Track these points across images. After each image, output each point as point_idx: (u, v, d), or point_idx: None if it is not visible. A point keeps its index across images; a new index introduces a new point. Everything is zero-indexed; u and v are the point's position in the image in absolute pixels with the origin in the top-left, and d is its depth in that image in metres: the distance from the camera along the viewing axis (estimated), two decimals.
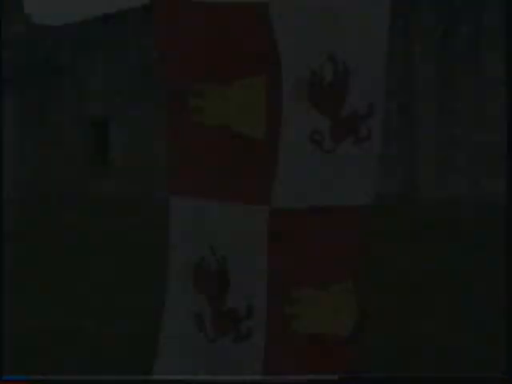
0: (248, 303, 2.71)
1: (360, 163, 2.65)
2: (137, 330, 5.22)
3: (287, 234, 2.69)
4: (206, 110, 2.69)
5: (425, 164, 15.29)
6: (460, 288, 6.44)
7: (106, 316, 5.67)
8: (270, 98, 2.64)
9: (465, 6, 14.36)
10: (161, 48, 2.76)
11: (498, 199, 13.13)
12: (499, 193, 13.25)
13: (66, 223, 13.07)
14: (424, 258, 8.17)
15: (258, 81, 2.64)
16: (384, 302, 5.80)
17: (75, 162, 22.17)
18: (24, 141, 21.13)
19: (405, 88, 15.46)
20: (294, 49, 2.62)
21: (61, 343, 4.95)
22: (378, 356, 4.23)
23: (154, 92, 19.27)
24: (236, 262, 2.71)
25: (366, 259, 2.74)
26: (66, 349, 4.82)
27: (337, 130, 2.64)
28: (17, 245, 9.26)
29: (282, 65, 2.61)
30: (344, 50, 2.60)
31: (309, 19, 2.61)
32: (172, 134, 2.78)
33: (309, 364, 2.77)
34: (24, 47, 23.04)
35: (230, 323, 2.73)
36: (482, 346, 4.63)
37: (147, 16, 17.77)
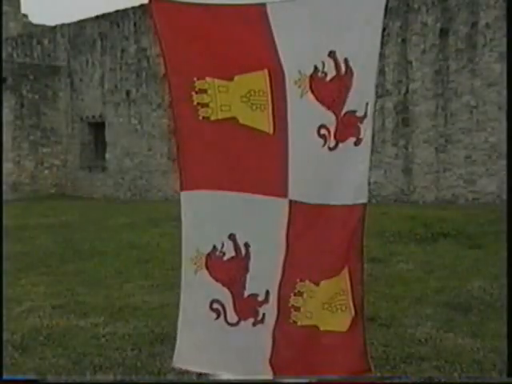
0: (266, 288, 2.78)
1: (357, 163, 2.68)
2: (137, 330, 5.22)
3: (296, 227, 2.73)
4: (211, 104, 2.71)
5: (422, 164, 15.32)
6: (459, 288, 6.44)
7: (105, 316, 5.67)
8: (273, 91, 2.65)
9: (461, 6, 14.37)
10: (161, 47, 2.77)
11: (495, 199, 13.18)
12: (497, 193, 13.27)
13: (65, 223, 13.08)
14: (423, 258, 8.17)
15: (259, 75, 2.66)
16: (383, 301, 5.81)
17: (72, 162, 22.18)
18: (21, 141, 21.10)
19: (402, 88, 15.48)
20: (295, 45, 2.64)
21: (60, 343, 4.94)
22: (376, 356, 4.23)
23: (152, 93, 19.30)
24: (258, 250, 2.78)
25: (365, 259, 2.77)
26: (65, 349, 4.81)
27: (339, 128, 2.66)
28: (16, 245, 9.26)
29: (284, 60, 2.62)
30: (345, 48, 2.61)
31: (308, 18, 2.63)
32: (180, 132, 2.80)
33: (308, 359, 2.81)
34: (21, 47, 23.01)
35: (251, 308, 2.81)
36: (481, 347, 4.63)
37: (145, 15, 17.77)
